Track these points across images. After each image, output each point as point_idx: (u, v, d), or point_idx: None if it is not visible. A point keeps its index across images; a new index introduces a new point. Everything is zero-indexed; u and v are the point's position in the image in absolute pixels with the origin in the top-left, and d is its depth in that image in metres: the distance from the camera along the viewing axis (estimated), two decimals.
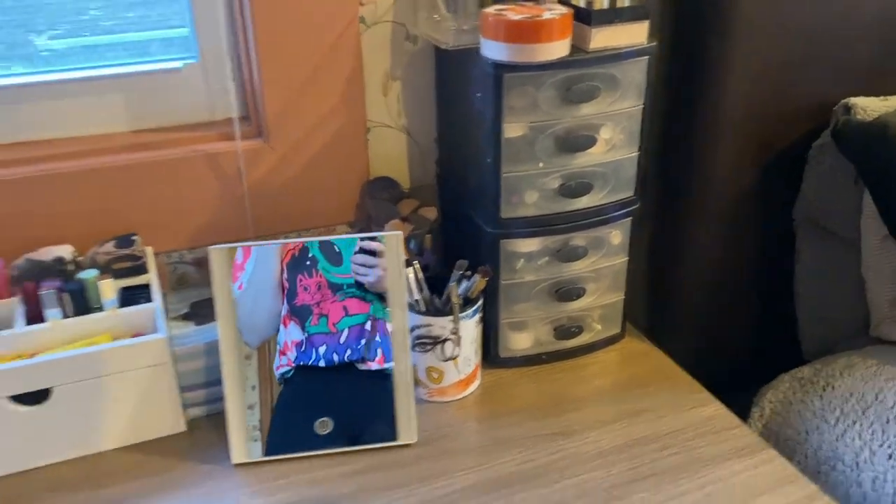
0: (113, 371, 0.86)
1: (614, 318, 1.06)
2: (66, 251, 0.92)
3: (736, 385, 1.02)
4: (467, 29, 0.93)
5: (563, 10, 0.86)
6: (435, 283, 0.96)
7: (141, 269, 0.94)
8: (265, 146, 1.01)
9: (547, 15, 0.83)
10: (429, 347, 0.94)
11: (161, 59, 1.00)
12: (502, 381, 1.01)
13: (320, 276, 0.88)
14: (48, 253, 0.91)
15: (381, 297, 0.89)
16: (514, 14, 0.84)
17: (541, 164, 0.91)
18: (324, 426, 0.88)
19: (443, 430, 0.93)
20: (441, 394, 0.97)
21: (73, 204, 0.95)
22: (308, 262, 0.88)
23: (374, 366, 0.89)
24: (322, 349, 0.88)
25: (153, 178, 0.98)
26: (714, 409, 0.95)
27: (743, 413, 0.94)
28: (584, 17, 0.86)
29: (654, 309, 1.22)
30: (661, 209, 1.15)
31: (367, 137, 1.06)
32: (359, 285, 0.88)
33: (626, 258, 1.02)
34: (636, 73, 0.90)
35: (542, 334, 1.03)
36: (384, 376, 0.89)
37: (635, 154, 0.95)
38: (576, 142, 0.91)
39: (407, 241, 1.01)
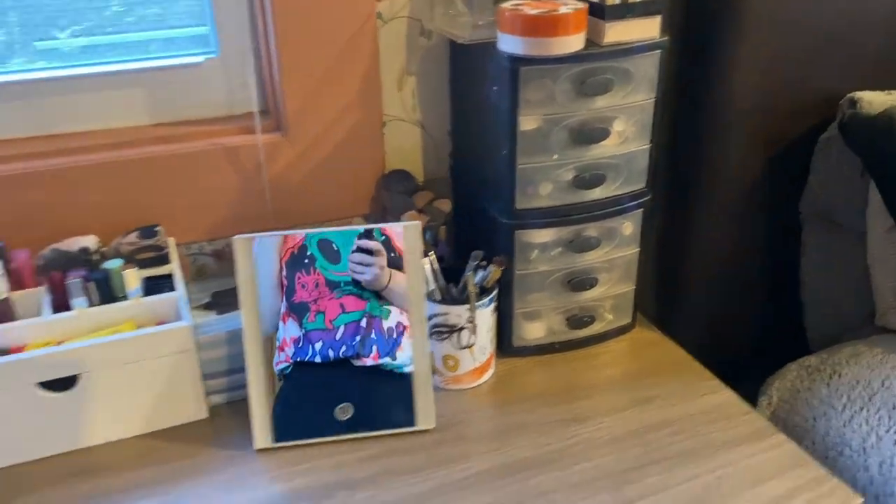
0: (139, 358, 0.88)
1: (625, 308, 1.08)
2: (91, 241, 0.94)
3: (743, 375, 1.04)
4: (482, 24, 0.95)
5: (578, 4, 0.88)
6: (448, 274, 0.98)
7: (164, 260, 0.96)
8: (284, 140, 1.03)
9: (563, 10, 0.85)
10: (445, 336, 0.96)
11: (182, 53, 1.02)
12: (516, 369, 1.03)
13: (318, 273, 0.90)
14: (74, 243, 0.93)
15: (378, 295, 0.90)
16: (530, 9, 0.86)
17: (555, 156, 0.94)
18: (344, 412, 0.90)
19: (459, 416, 0.95)
20: (457, 381, 0.99)
21: (97, 195, 0.97)
22: (306, 261, 0.89)
23: (368, 362, 0.90)
24: (318, 345, 0.90)
25: (175, 171, 1.00)
26: (724, 397, 0.97)
27: (750, 402, 0.96)
28: (599, 12, 0.88)
29: (663, 300, 1.24)
30: (669, 201, 1.17)
31: (382, 131, 1.08)
32: (356, 283, 0.90)
33: (638, 249, 1.04)
34: (648, 67, 0.92)
35: (554, 324, 1.05)
36: (379, 372, 0.91)
37: (647, 146, 0.97)
38: (590, 134, 0.93)
39: (422, 232, 1.03)
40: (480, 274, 0.96)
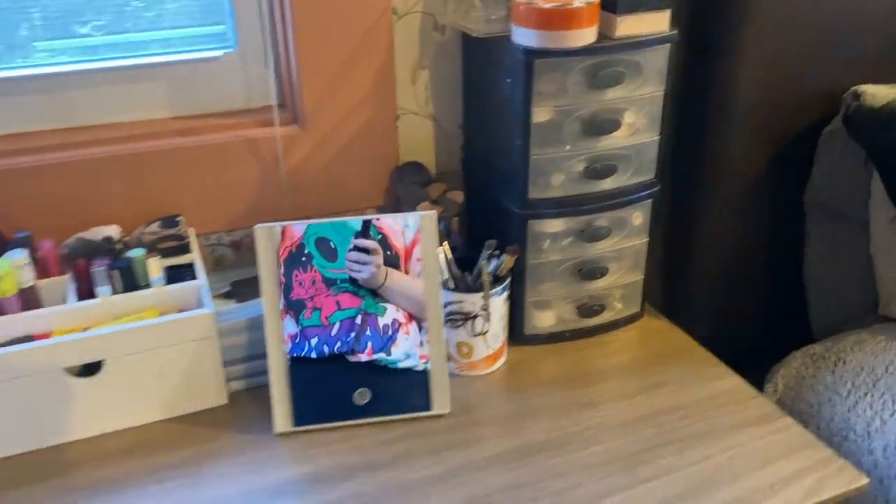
0: (162, 344, 0.90)
1: (634, 297, 1.10)
2: (114, 231, 0.96)
3: (747, 364, 1.06)
4: (495, 18, 0.97)
5: None
6: (461, 264, 1.00)
7: (185, 249, 0.98)
8: (302, 132, 1.05)
9: (576, 3, 0.88)
10: (459, 323, 0.98)
11: (201, 48, 1.04)
12: (528, 357, 1.05)
13: (315, 271, 0.91)
14: (97, 233, 0.95)
15: (374, 293, 0.92)
16: (544, 3, 0.88)
17: (567, 147, 0.96)
18: (362, 396, 0.93)
19: (473, 401, 0.97)
20: (471, 368, 1.01)
21: (119, 186, 1.00)
22: (304, 259, 0.91)
23: (363, 357, 0.92)
24: (314, 341, 0.91)
25: (195, 163, 1.02)
26: (732, 382, 1.00)
27: (756, 389, 0.99)
28: (611, 6, 0.91)
29: (669, 290, 1.26)
30: (675, 194, 1.19)
31: (396, 124, 1.10)
32: (353, 281, 0.92)
33: (647, 239, 1.07)
34: (658, 60, 0.95)
35: (565, 312, 1.07)
36: (374, 367, 0.93)
37: (656, 138, 1.00)
38: (601, 125, 0.95)
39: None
40: (494, 263, 0.98)
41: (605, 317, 1.09)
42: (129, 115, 1.04)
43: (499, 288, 0.98)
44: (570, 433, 0.92)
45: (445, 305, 0.96)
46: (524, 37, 0.89)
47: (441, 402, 0.94)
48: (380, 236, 0.91)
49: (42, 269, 0.93)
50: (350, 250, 0.91)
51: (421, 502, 0.82)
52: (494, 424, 0.94)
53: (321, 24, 1.00)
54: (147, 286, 0.94)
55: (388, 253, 0.92)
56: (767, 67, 1.12)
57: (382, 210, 1.13)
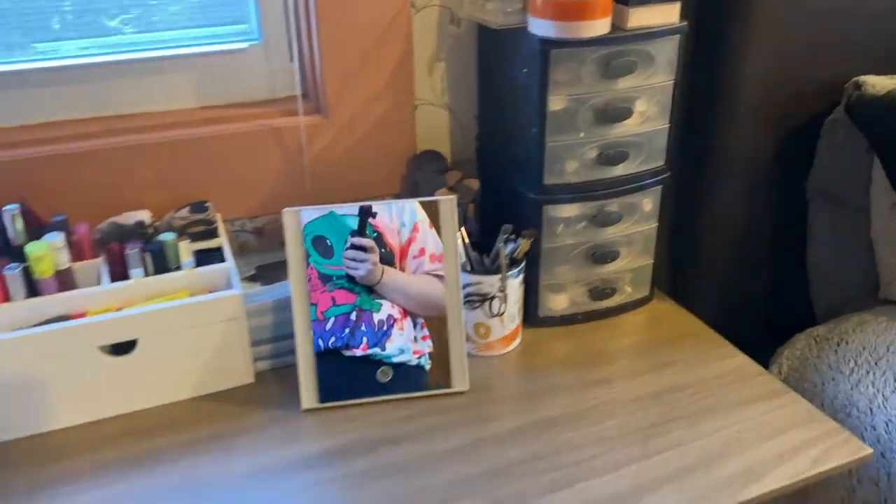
0: (193, 324, 0.93)
1: (644, 281, 1.14)
2: (145, 216, 1.00)
3: (752, 347, 1.10)
4: (511, 11, 1.01)
5: None
6: (476, 249, 1.04)
7: (213, 234, 1.01)
8: (324, 122, 1.09)
9: None
10: (477, 305, 1.02)
11: (227, 40, 1.08)
12: (542, 338, 1.09)
13: (311, 268, 0.95)
14: (129, 217, 0.99)
15: (370, 290, 0.95)
16: None
17: (581, 135, 1.00)
18: (384, 374, 0.96)
19: (490, 379, 1.01)
20: (488, 348, 1.05)
21: (149, 173, 1.03)
22: None
23: (357, 352, 0.95)
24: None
25: (221, 151, 1.06)
26: (739, 361, 1.04)
27: None
28: None
29: (676, 274, 1.30)
30: (683, 180, 1.23)
31: (414, 114, 1.14)
32: (349, 278, 0.95)
33: (657, 224, 1.10)
34: (669, 50, 0.99)
35: (577, 295, 1.11)
36: (369, 361, 0.96)
37: (666, 126, 1.04)
38: (614, 113, 0.99)
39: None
40: (511, 246, 1.02)
41: (615, 300, 1.12)
42: (159, 105, 1.08)
43: (515, 270, 1.02)
44: (584, 409, 0.95)
45: (464, 287, 1.00)
46: (540, 27, 0.93)
47: (460, 379, 0.98)
48: (375, 234, 0.95)
49: (77, 252, 0.97)
50: (347, 248, 0.94)
51: (443, 473, 0.86)
52: (511, 401, 0.97)
53: (344, 17, 1.04)
54: (178, 269, 0.97)
55: (384, 251, 0.95)
56: (772, 59, 1.15)
57: (400, 197, 1.17)
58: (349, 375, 0.95)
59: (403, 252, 0.96)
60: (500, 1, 1.00)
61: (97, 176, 1.01)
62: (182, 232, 0.99)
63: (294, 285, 0.94)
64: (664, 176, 1.07)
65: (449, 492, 0.83)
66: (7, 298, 0.91)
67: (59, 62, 1.03)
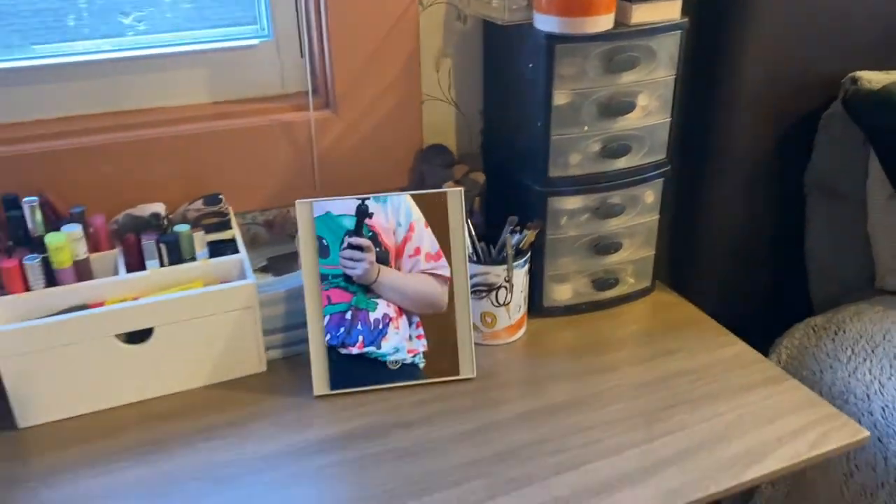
0: (208, 313, 0.96)
1: (646, 272, 1.17)
2: (160, 208, 1.02)
3: (751, 337, 1.12)
4: (516, 7, 1.03)
5: None
6: (482, 240, 1.07)
7: (226, 225, 1.04)
8: (333, 117, 1.11)
9: None
10: (484, 294, 1.04)
11: (239, 37, 1.11)
12: (546, 327, 1.12)
13: None
14: (145, 209, 1.01)
15: (366, 289, 0.98)
16: None
17: (585, 128, 1.02)
18: (395, 362, 0.99)
19: (497, 367, 1.03)
20: (494, 337, 1.07)
21: (163, 166, 1.06)
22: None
23: (354, 350, 0.98)
24: None
25: (233, 145, 1.08)
26: (739, 348, 1.06)
27: None
28: None
29: (676, 266, 1.32)
30: (683, 173, 1.25)
31: (421, 109, 1.17)
32: (346, 277, 0.97)
33: (658, 216, 1.13)
34: (670, 46, 1.01)
35: (581, 286, 1.13)
36: (365, 359, 0.98)
37: (668, 120, 1.06)
38: (617, 107, 1.02)
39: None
40: (517, 237, 1.04)
41: (618, 290, 1.15)
42: (173, 100, 1.10)
43: (521, 260, 1.04)
44: (589, 394, 0.98)
45: (471, 277, 1.02)
46: (546, 23, 0.96)
47: (468, 367, 1.00)
48: (371, 234, 0.97)
49: (94, 244, 0.99)
50: (344, 248, 0.97)
51: (453, 456, 0.88)
52: (518, 387, 1.00)
53: (353, 15, 1.06)
54: (192, 259, 1.00)
55: (379, 250, 0.97)
56: (771, 56, 1.18)
57: (407, 190, 1.19)
58: (347, 372, 0.98)
59: (399, 251, 0.98)
60: None
61: (113, 169, 1.04)
62: (196, 223, 1.01)
63: (306, 274, 0.97)
64: (665, 169, 1.10)
65: (458, 473, 0.86)
66: (27, 288, 0.94)
67: (76, 58, 1.05)
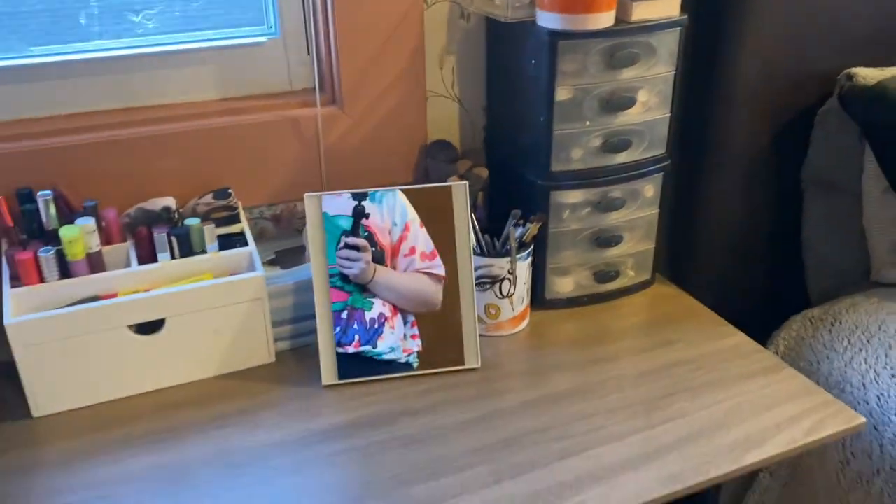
0: (218, 304, 0.98)
1: (646, 265, 1.19)
2: (171, 202, 1.04)
3: (749, 330, 1.15)
4: (519, 5, 1.05)
5: None
6: (486, 233, 1.09)
7: (236, 219, 1.06)
8: (340, 113, 1.14)
9: None
10: (488, 286, 1.06)
11: (247, 34, 1.13)
12: (549, 319, 1.14)
13: None
14: (156, 203, 1.03)
15: (362, 288, 1.00)
16: None
17: (587, 123, 1.05)
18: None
19: (501, 358, 1.06)
20: (497, 329, 1.09)
21: (174, 161, 1.08)
22: None
23: (350, 349, 1.00)
24: None
25: (241, 141, 1.10)
26: (738, 339, 1.09)
27: None
28: None
29: (675, 260, 1.34)
30: (682, 168, 1.27)
31: (425, 105, 1.19)
32: (342, 277, 0.99)
33: (658, 210, 1.15)
34: (670, 42, 1.04)
35: (582, 279, 1.15)
36: (361, 358, 1.00)
37: (667, 115, 1.09)
38: (617, 102, 1.04)
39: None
40: (520, 230, 1.07)
41: (619, 283, 1.17)
42: (183, 96, 1.12)
43: (524, 253, 1.06)
44: (591, 383, 1.00)
45: (476, 269, 1.05)
46: (548, 20, 0.98)
47: (472, 357, 1.03)
48: (367, 234, 0.99)
49: (106, 236, 1.01)
50: (341, 248, 0.99)
51: (458, 442, 0.90)
52: (522, 377, 1.02)
53: (359, 13, 1.09)
54: (203, 252, 1.02)
55: (375, 250, 0.99)
56: (768, 53, 1.20)
57: (412, 184, 1.22)
58: (349, 365, 1.00)
59: (394, 251, 1.00)
60: None
61: (125, 164, 1.06)
62: (206, 217, 1.04)
63: (315, 266, 0.99)
64: (665, 163, 1.12)
65: (464, 459, 0.88)
66: (41, 279, 0.96)
67: (88, 55, 1.07)
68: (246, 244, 1.04)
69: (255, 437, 0.92)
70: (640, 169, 1.10)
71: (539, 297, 1.15)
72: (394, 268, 1.00)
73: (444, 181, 1.13)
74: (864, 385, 1.07)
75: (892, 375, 1.06)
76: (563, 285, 1.15)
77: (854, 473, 1.06)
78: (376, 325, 1.00)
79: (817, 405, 0.96)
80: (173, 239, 1.00)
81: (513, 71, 1.10)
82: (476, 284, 1.05)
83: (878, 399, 1.05)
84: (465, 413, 0.95)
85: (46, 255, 0.95)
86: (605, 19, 0.98)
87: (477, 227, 1.08)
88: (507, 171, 1.15)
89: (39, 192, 0.98)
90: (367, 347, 1.00)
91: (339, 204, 0.99)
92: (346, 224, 0.99)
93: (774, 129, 1.25)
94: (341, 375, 1.00)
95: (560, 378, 1.01)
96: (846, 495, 1.07)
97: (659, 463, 0.87)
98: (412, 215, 1.00)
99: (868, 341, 1.11)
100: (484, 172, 1.17)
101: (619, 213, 1.12)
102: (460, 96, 1.21)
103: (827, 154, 1.25)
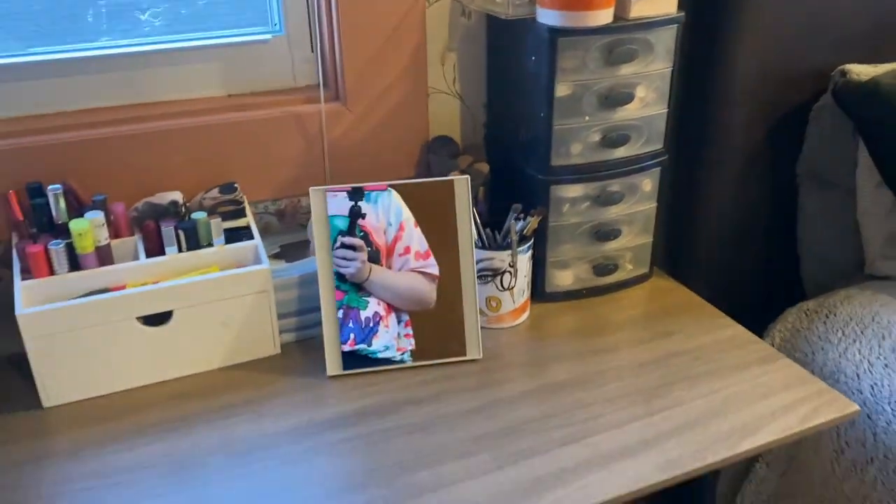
0: (225, 296, 1.00)
1: (644, 258, 1.21)
2: (178, 196, 1.06)
3: (744, 322, 1.17)
4: (519, 3, 1.07)
5: None
6: (487, 227, 1.11)
7: (241, 213, 1.08)
8: (343, 109, 1.16)
9: None
10: (489, 279, 1.08)
11: (252, 32, 1.15)
12: (549, 312, 1.16)
13: None
14: (163, 197, 1.05)
15: (358, 287, 1.02)
16: None
17: (586, 119, 1.07)
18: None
19: (502, 349, 1.08)
20: (498, 321, 1.11)
21: (180, 156, 1.10)
22: None
23: (346, 348, 1.02)
24: None
25: (246, 136, 1.12)
26: (735, 331, 1.11)
27: None
28: None
29: (672, 253, 1.36)
30: (679, 163, 1.29)
31: (427, 102, 1.21)
32: (338, 276, 1.01)
33: (655, 204, 1.17)
34: (667, 39, 1.06)
35: (581, 272, 1.17)
36: (357, 356, 1.02)
37: (665, 110, 1.11)
38: (616, 98, 1.06)
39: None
40: (520, 223, 1.09)
41: (617, 276, 1.19)
42: (189, 93, 1.14)
43: (525, 246, 1.08)
44: (591, 373, 1.02)
45: (477, 262, 1.07)
46: (548, 17, 1.00)
47: (474, 348, 1.05)
48: (362, 234, 1.01)
49: (115, 230, 1.03)
50: (337, 247, 1.01)
51: (461, 430, 0.92)
52: (522, 367, 1.04)
53: (362, 11, 1.11)
54: (209, 245, 1.04)
55: (371, 249, 1.01)
56: (763, 49, 1.22)
57: (414, 179, 1.24)
58: (346, 362, 1.02)
59: (389, 250, 1.02)
60: None
61: (133, 159, 1.08)
62: (212, 211, 1.05)
63: (320, 258, 1.01)
64: (662, 158, 1.14)
65: (466, 447, 0.90)
66: (51, 272, 0.98)
67: (97, 52, 1.09)
68: (252, 237, 1.06)
69: (261, 427, 0.93)
70: (638, 164, 1.12)
71: (539, 290, 1.17)
72: (389, 267, 1.02)
73: (446, 176, 1.16)
74: (857, 375, 1.09)
75: (886, 366, 1.08)
76: (562, 278, 1.17)
77: (848, 462, 1.08)
78: (371, 324, 1.01)
79: (811, 394, 0.98)
80: (180, 232, 1.02)
81: (513, 67, 1.12)
82: (477, 277, 1.07)
83: (872, 388, 1.07)
84: (468, 402, 0.97)
85: (56, 248, 0.97)
86: (604, 16, 1.00)
87: (478, 220, 1.10)
88: (508, 166, 1.17)
89: (49, 187, 1.00)
90: (363, 346, 1.02)
91: (336, 204, 1.01)
92: (343, 224, 1.01)
93: (770, 124, 1.27)
94: (346, 366, 1.02)
95: (560, 368, 1.03)
96: (841, 484, 1.09)
97: (657, 449, 0.89)
98: (407, 215, 1.02)
99: (862, 332, 1.13)
100: (485, 167, 1.19)
101: (618, 207, 1.14)
102: (461, 93, 1.24)
103: (821, 149, 1.27)
